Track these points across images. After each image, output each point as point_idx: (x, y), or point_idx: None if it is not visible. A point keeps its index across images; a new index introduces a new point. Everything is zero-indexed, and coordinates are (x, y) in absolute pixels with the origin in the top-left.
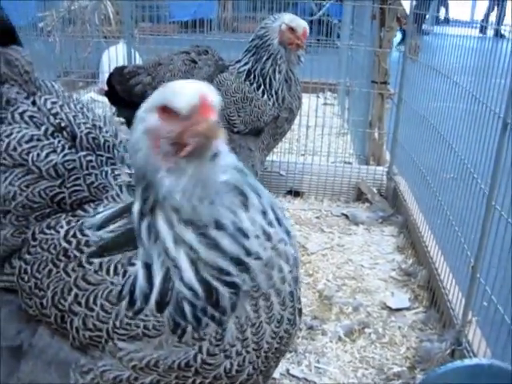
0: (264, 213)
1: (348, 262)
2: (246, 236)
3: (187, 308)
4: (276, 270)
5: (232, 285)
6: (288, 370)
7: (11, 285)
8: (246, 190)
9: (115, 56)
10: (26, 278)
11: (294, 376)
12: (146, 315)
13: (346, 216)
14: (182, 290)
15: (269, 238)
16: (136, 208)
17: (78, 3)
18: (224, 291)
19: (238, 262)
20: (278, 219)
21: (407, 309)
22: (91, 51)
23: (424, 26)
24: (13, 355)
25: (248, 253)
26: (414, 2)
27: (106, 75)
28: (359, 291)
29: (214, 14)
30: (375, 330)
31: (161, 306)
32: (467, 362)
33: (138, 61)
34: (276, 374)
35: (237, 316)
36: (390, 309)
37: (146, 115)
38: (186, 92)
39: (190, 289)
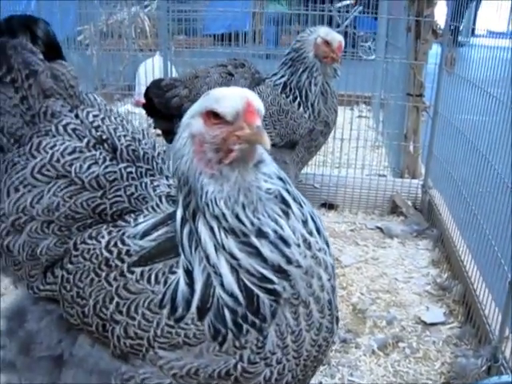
0: (304, 222)
1: (382, 275)
2: (287, 244)
3: (228, 314)
4: (315, 278)
5: (273, 292)
6: (321, 383)
7: (53, 294)
8: (288, 199)
9: (151, 68)
10: (68, 288)
11: None
12: (187, 323)
13: (381, 229)
14: (223, 296)
15: (309, 246)
16: (178, 214)
17: (116, 17)
18: (265, 298)
19: (279, 270)
20: (317, 229)
21: (442, 323)
22: (127, 64)
23: (460, 38)
24: (54, 364)
25: (289, 261)
26: (449, 14)
27: (143, 87)
28: (393, 305)
29: (248, 26)
30: (409, 344)
31: (202, 312)
32: (505, 378)
33: (174, 73)
34: None
35: (277, 323)
36: (425, 323)
37: (191, 121)
38: (230, 97)
39: (231, 295)
